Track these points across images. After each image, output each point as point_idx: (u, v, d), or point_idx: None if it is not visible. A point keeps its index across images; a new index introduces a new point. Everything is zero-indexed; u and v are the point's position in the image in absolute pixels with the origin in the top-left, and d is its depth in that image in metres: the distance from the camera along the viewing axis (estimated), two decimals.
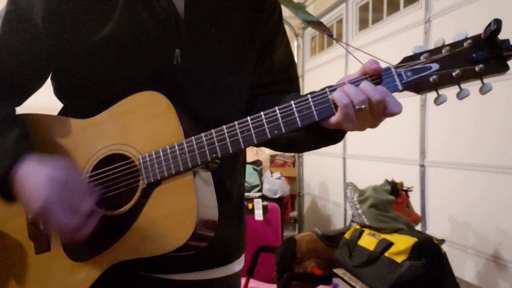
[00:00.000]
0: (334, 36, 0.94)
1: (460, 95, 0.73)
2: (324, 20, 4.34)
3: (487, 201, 2.20)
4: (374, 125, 0.77)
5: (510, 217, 2.07)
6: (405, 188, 2.33)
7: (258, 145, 0.83)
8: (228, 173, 0.96)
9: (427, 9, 2.65)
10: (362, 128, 0.77)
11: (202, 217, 0.80)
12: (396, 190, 2.28)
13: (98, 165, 0.85)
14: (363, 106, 0.73)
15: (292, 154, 4.88)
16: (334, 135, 0.85)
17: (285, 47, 1.04)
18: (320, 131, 0.83)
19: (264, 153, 4.27)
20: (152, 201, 0.81)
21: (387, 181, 2.34)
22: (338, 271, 2.12)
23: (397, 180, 2.34)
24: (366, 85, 0.74)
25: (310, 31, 4.77)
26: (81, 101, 0.92)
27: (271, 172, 4.13)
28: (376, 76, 0.76)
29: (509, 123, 2.06)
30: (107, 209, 0.83)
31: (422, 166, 2.70)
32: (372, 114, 0.75)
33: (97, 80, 0.88)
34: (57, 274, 0.85)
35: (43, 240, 0.86)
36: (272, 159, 4.76)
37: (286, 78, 1.03)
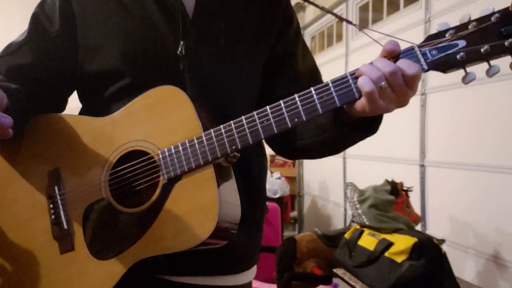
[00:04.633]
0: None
1: (490, 72, 0.69)
2: (324, 20, 4.35)
3: (487, 201, 2.20)
4: (401, 102, 0.73)
5: (510, 217, 2.07)
6: (405, 188, 2.33)
7: (278, 136, 0.80)
8: (253, 173, 0.95)
9: (427, 9, 2.65)
10: (388, 108, 0.73)
11: (224, 211, 0.78)
12: (396, 190, 2.29)
13: (118, 162, 0.86)
14: (383, 83, 0.70)
15: None
16: (368, 124, 0.82)
17: (309, 58, 1.05)
18: (353, 124, 0.81)
19: None
20: (174, 197, 0.81)
21: (387, 181, 2.34)
22: (338, 271, 2.12)
23: (397, 180, 2.34)
24: (376, 61, 0.72)
25: (310, 31, 4.77)
26: (93, 99, 0.94)
27: (271, 172, 4.13)
28: (396, 56, 0.73)
29: (509, 123, 2.06)
30: (128, 206, 0.83)
31: (422, 166, 2.70)
32: (393, 89, 0.71)
33: (104, 73, 0.90)
34: (83, 274, 0.85)
35: (67, 239, 0.86)
36: (272, 159, 4.75)
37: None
